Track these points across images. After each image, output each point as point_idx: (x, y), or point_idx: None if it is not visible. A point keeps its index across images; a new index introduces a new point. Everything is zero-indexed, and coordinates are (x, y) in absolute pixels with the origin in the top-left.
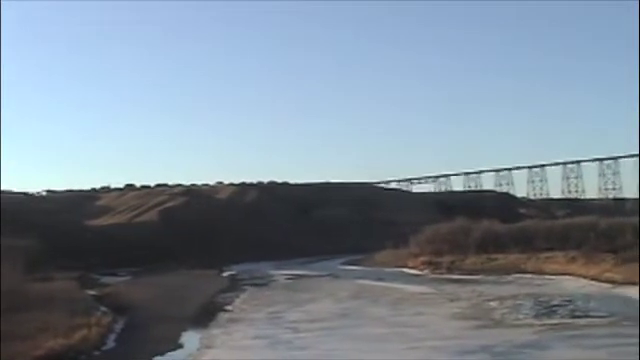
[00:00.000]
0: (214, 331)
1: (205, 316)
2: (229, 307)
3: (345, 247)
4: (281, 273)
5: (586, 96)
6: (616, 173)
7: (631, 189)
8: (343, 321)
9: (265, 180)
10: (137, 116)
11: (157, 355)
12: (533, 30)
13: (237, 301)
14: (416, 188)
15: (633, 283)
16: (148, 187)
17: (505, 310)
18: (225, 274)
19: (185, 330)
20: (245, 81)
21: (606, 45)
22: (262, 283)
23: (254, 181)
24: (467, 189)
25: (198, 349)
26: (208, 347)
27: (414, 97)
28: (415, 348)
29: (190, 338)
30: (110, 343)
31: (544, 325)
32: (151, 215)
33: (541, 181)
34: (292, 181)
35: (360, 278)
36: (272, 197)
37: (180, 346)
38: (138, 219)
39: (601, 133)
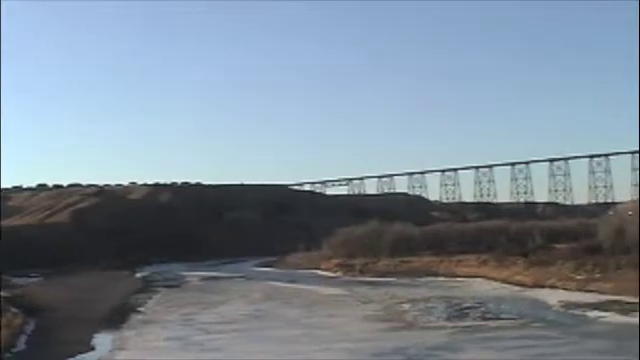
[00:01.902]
0: (126, 333)
1: (117, 318)
2: (142, 309)
3: (258, 249)
4: (194, 274)
5: (499, 100)
6: (527, 177)
7: (542, 193)
8: (256, 323)
9: (179, 181)
10: (50, 115)
11: (69, 357)
12: (440, 31)
13: (150, 303)
14: (330, 191)
15: (542, 286)
16: (61, 187)
17: (417, 312)
18: (138, 275)
19: (97, 332)
20: (157, 81)
21: (519, 47)
22: (175, 284)
23: (168, 182)
24: (380, 192)
25: (110, 351)
26: (120, 349)
27: (327, 99)
28: (328, 350)
29: (102, 340)
30: (21, 345)
31: (456, 327)
32: (63, 216)
33: (454, 185)
34: (206, 182)
35: (273, 280)
36: (185, 198)
37: (92, 348)
38: (50, 220)
39: (513, 137)
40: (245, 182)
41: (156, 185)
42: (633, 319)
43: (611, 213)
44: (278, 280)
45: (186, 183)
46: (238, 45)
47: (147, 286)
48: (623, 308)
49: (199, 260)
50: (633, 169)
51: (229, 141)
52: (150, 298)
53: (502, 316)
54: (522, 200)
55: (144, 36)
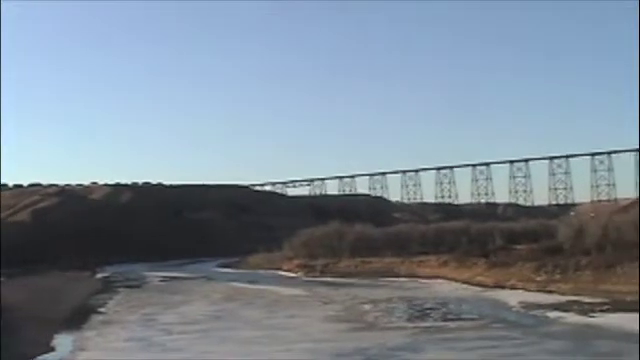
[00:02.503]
0: (87, 333)
1: (78, 318)
2: (103, 309)
3: (219, 249)
4: (155, 275)
5: (460, 102)
6: (488, 178)
7: (502, 194)
8: (217, 323)
9: (140, 181)
10: (9, 114)
11: (29, 358)
12: (396, 33)
13: (111, 303)
14: (291, 191)
15: (503, 287)
16: (21, 187)
17: (379, 313)
18: (99, 276)
19: (58, 333)
20: (118, 80)
21: (467, 53)
22: (136, 285)
23: (129, 182)
24: (342, 193)
25: (71, 352)
26: (81, 349)
27: (289, 100)
28: (289, 350)
29: (63, 341)
30: None
31: (417, 328)
32: (23, 215)
33: (415, 185)
34: (167, 182)
35: (234, 281)
36: (147, 198)
37: (52, 349)
38: (10, 219)
39: (474, 139)
40: (206, 182)
41: (117, 185)
42: (592, 319)
43: (572, 214)
44: (239, 281)
45: (147, 183)
46: (197, 46)
47: (108, 286)
48: (583, 309)
49: (160, 260)
50: (592, 170)
51: (190, 141)
52: (111, 298)
53: (463, 317)
54: (483, 201)
55: (99, 34)
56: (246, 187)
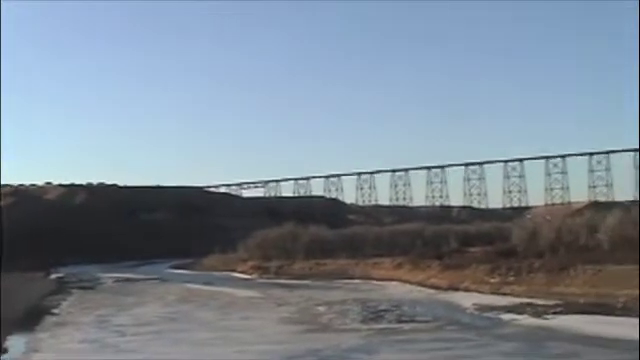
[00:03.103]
0: (40, 335)
1: (31, 319)
2: (56, 310)
3: (174, 251)
4: (109, 276)
5: (416, 104)
6: (443, 181)
7: (457, 197)
8: (171, 325)
9: (94, 182)
10: None
11: None
12: (351, 33)
13: (64, 304)
14: (246, 193)
15: (457, 289)
16: None
17: (333, 315)
18: (53, 276)
19: (10, 334)
20: (72, 80)
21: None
22: (90, 286)
23: (83, 182)
24: (296, 195)
25: (24, 353)
26: (34, 351)
27: (243, 102)
28: (243, 352)
29: (15, 342)
30: None
31: (371, 330)
32: None
33: (370, 188)
34: (121, 183)
35: (188, 282)
36: (101, 199)
37: (5, 350)
38: None
39: (429, 142)
40: (161, 184)
41: (71, 185)
42: (545, 322)
43: (529, 217)
44: (194, 282)
45: (101, 184)
46: (148, 45)
47: (61, 287)
48: (536, 311)
49: (114, 261)
50: (547, 174)
51: (145, 142)
52: (65, 300)
53: (417, 319)
54: (437, 204)
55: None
56: (201, 188)
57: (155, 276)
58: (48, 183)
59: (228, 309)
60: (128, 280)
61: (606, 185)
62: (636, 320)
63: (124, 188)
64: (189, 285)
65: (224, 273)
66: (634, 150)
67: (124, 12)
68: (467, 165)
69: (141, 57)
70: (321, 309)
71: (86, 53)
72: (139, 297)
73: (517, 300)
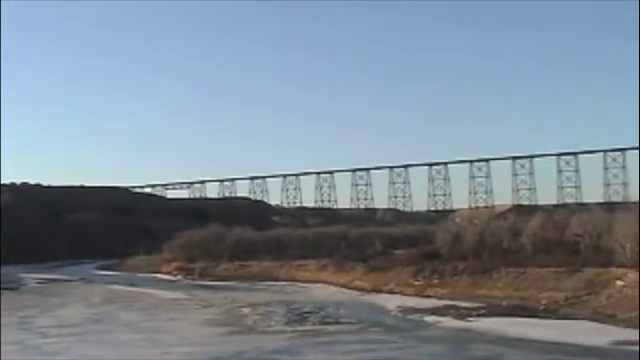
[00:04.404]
0: None
1: None
2: None
3: (99, 251)
4: (32, 277)
5: (339, 106)
6: (368, 184)
7: (382, 200)
8: (95, 326)
9: (18, 181)
10: None
11: None
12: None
13: None
14: (171, 194)
15: (381, 291)
16: None
17: (257, 316)
18: None
19: None
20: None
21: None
22: (12, 287)
23: (7, 182)
24: (221, 196)
25: None
26: None
27: (169, 103)
28: (167, 354)
29: None
30: None
31: (296, 331)
32: None
33: (295, 189)
34: (45, 183)
35: (113, 283)
36: (25, 199)
37: None
38: None
39: (354, 144)
40: (86, 184)
41: None
42: (469, 324)
43: (457, 220)
44: (118, 283)
45: (25, 183)
46: (77, 44)
47: None
48: (459, 313)
49: (38, 262)
50: (471, 177)
51: (70, 142)
52: None
53: (341, 320)
54: (362, 206)
55: None
56: (126, 189)
57: (79, 277)
58: None
59: (153, 310)
60: (52, 281)
61: (529, 189)
62: (558, 322)
63: (48, 188)
64: (113, 286)
65: (148, 274)
66: (557, 155)
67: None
68: (392, 168)
69: (68, 56)
70: (246, 311)
71: (7, 49)
72: (63, 298)
73: (441, 302)
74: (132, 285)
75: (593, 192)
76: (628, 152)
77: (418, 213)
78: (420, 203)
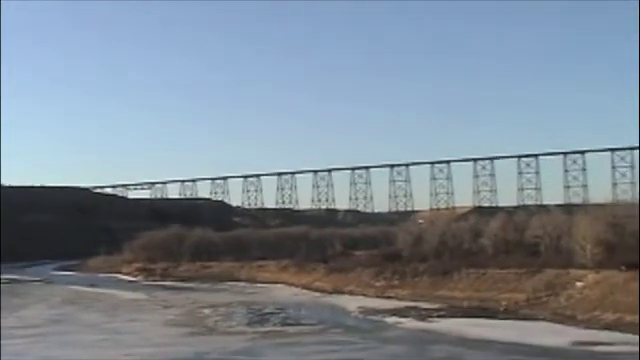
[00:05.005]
0: None
1: None
2: None
3: (59, 252)
4: None
5: (301, 107)
6: (329, 185)
7: (343, 201)
8: (56, 327)
9: None
10: None
11: None
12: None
13: None
14: (132, 194)
15: (342, 292)
16: None
17: (218, 317)
18: None
19: None
20: None
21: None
22: None
23: None
24: (183, 197)
25: None
26: None
27: (130, 103)
28: (129, 355)
29: None
30: None
31: (257, 333)
32: None
33: (256, 191)
34: (4, 183)
35: (74, 284)
36: None
37: None
38: None
39: (315, 145)
40: (46, 184)
41: None
42: (429, 325)
43: (421, 221)
44: (79, 284)
45: None
46: (40, 41)
47: None
48: (420, 314)
49: None
50: (432, 178)
51: (31, 142)
52: None
53: (302, 321)
54: (323, 207)
55: None
56: (87, 189)
57: (40, 278)
58: None
59: (114, 311)
60: (12, 282)
61: (490, 191)
62: (517, 323)
63: (7, 188)
64: (74, 287)
65: (109, 275)
66: (517, 157)
67: None
68: (353, 169)
69: (25, 53)
70: (207, 312)
71: None
72: (23, 299)
73: (402, 303)
74: (93, 286)
75: (553, 194)
76: (587, 155)
77: (379, 214)
78: (381, 204)
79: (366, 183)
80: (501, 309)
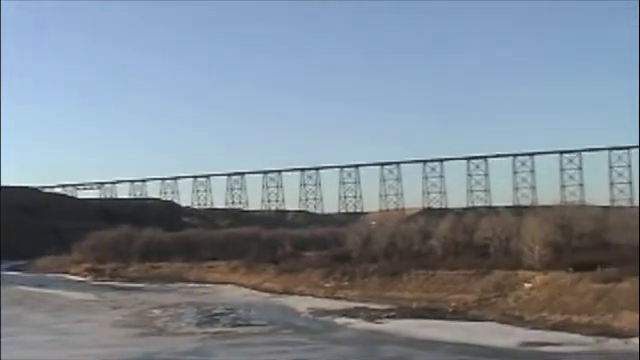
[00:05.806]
0: None
1: None
2: None
3: (7, 252)
4: None
5: (251, 109)
6: (279, 186)
7: (293, 202)
8: (3, 328)
9: None
10: None
11: None
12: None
13: None
14: (81, 194)
15: (292, 293)
16: None
17: (168, 318)
18: None
19: None
20: None
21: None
22: None
23: None
24: (132, 197)
25: None
26: None
27: (80, 102)
28: (77, 356)
29: None
30: None
31: (206, 333)
32: None
33: (205, 191)
34: None
35: (21, 284)
36: None
37: None
38: None
39: (265, 146)
40: None
41: None
42: (379, 325)
43: (374, 223)
44: (26, 284)
45: None
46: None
47: None
48: (370, 315)
49: None
50: (381, 180)
51: None
52: None
53: (252, 322)
54: (273, 208)
55: None
56: (35, 189)
57: None
58: None
59: (61, 312)
60: None
61: (440, 192)
62: (465, 324)
63: None
64: (21, 287)
65: (58, 275)
66: (466, 158)
67: None
68: (303, 170)
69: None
70: (156, 312)
71: None
72: None
73: (351, 304)
74: (41, 286)
75: (502, 196)
76: (536, 156)
77: (329, 215)
78: (331, 205)
79: (316, 184)
80: (450, 310)
